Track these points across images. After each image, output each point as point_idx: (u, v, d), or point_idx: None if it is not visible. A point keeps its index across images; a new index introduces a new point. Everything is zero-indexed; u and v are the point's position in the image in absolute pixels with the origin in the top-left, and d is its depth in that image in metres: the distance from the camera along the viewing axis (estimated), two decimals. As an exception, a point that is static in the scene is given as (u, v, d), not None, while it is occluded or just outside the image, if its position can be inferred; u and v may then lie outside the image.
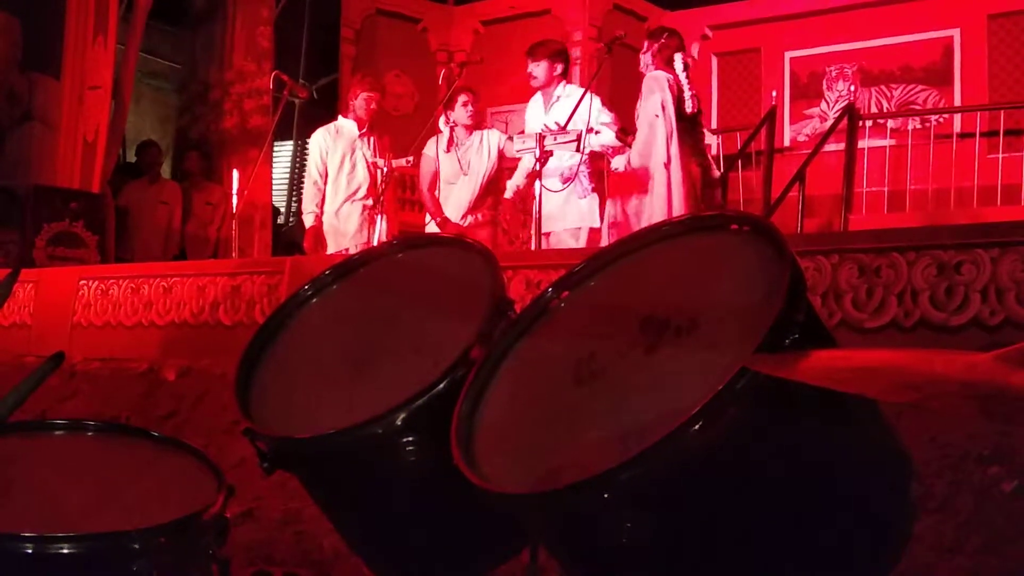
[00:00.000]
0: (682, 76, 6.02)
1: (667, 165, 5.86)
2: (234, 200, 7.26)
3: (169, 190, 9.65)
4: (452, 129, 6.51)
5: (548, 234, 6.05)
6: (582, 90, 6.08)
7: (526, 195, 6.35)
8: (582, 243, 6.10)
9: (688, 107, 5.99)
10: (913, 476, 1.51)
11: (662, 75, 5.95)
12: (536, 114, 6.32)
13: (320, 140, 6.88)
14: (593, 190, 6.23)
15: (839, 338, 1.64)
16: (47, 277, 6.64)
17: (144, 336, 5.80)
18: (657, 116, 5.88)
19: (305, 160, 14.32)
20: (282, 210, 12.27)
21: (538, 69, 6.20)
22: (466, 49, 10.55)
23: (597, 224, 6.16)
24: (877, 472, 1.45)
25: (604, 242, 5.85)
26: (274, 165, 11.56)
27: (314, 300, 2.01)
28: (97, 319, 6.05)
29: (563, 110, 6.02)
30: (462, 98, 6.54)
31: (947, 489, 2.99)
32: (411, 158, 6.52)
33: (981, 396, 0.91)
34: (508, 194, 6.54)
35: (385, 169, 6.46)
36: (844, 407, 1.37)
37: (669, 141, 5.88)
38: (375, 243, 5.99)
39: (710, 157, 6.48)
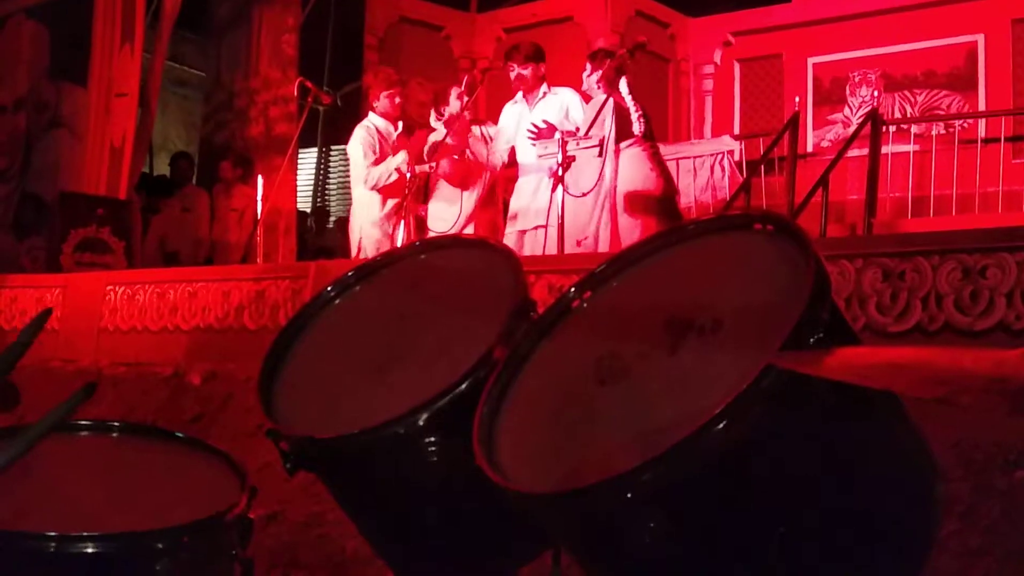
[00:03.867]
0: (628, 98, 6.08)
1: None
2: (259, 206, 7.30)
3: (192, 197, 9.71)
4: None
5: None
6: (565, 89, 6.40)
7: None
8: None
9: (636, 129, 6.07)
10: (939, 479, 1.50)
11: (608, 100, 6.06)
12: (520, 114, 6.41)
13: (363, 134, 6.82)
14: None
15: (863, 343, 1.62)
16: (74, 282, 6.70)
17: (170, 341, 5.83)
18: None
19: (329, 166, 14.42)
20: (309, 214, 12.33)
21: (527, 71, 6.34)
22: (489, 56, 10.57)
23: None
24: (902, 474, 1.44)
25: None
26: (298, 172, 11.61)
27: (337, 301, 2.01)
28: (124, 324, 6.10)
29: (547, 107, 6.24)
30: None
31: (972, 494, 2.96)
32: (433, 164, 6.54)
33: (1010, 391, 0.90)
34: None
35: (409, 175, 6.48)
36: (870, 407, 1.36)
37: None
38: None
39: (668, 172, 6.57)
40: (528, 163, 6.29)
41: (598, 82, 6.06)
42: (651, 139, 6.32)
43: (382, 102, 6.83)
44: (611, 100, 5.97)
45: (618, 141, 6.05)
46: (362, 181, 6.74)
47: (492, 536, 1.73)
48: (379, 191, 6.72)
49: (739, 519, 1.33)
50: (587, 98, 6.22)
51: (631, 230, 5.92)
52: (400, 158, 6.56)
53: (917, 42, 9.75)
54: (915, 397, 1.07)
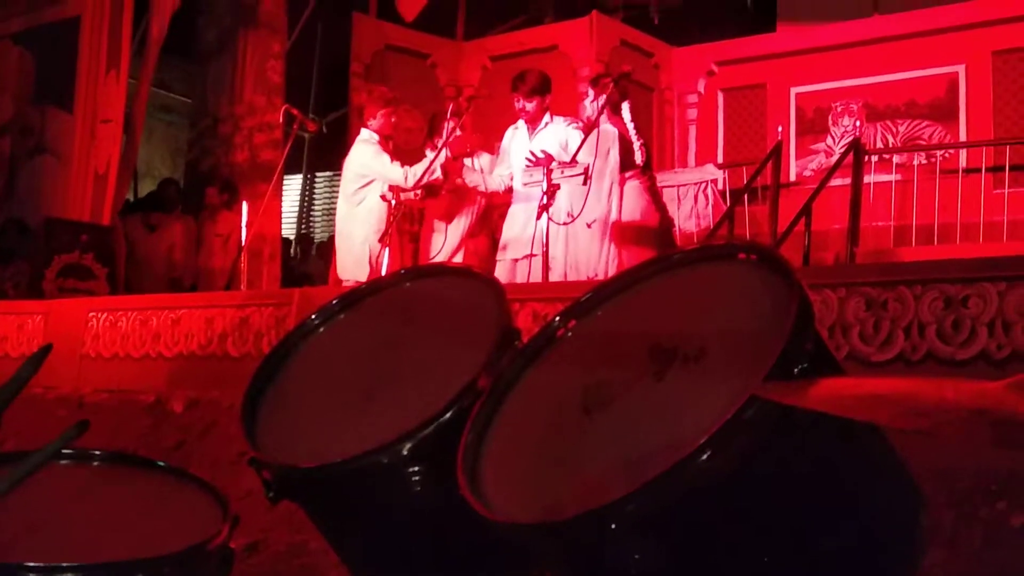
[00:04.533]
0: (630, 127, 6.12)
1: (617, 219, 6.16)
2: (243, 232, 7.28)
3: (171, 222, 9.69)
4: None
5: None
6: (565, 119, 6.41)
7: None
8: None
9: (638, 158, 6.12)
10: (923, 508, 1.50)
11: (612, 130, 6.07)
12: (521, 143, 6.41)
13: (372, 146, 6.73)
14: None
15: (846, 371, 1.63)
16: (57, 309, 6.66)
17: (152, 368, 5.80)
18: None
19: (314, 193, 14.42)
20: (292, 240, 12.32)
21: (531, 104, 6.32)
22: (474, 84, 10.61)
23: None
24: (886, 503, 1.44)
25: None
26: (283, 198, 11.60)
27: (321, 329, 2.00)
28: (106, 351, 6.06)
29: (548, 137, 6.23)
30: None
31: (956, 523, 2.96)
32: (419, 191, 6.54)
33: (992, 423, 0.91)
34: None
35: (394, 202, 6.47)
36: (853, 437, 1.36)
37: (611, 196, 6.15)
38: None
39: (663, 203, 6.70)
40: (521, 191, 6.30)
41: (602, 108, 6.08)
42: (649, 170, 6.38)
43: (377, 120, 6.78)
44: (612, 130, 6.04)
45: (621, 171, 6.10)
46: (398, 181, 6.51)
47: (476, 565, 1.72)
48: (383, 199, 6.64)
49: (723, 549, 1.33)
50: (588, 124, 6.20)
51: (631, 263, 5.97)
52: (443, 156, 6.44)
53: (899, 73, 9.84)
54: (898, 429, 1.07)
